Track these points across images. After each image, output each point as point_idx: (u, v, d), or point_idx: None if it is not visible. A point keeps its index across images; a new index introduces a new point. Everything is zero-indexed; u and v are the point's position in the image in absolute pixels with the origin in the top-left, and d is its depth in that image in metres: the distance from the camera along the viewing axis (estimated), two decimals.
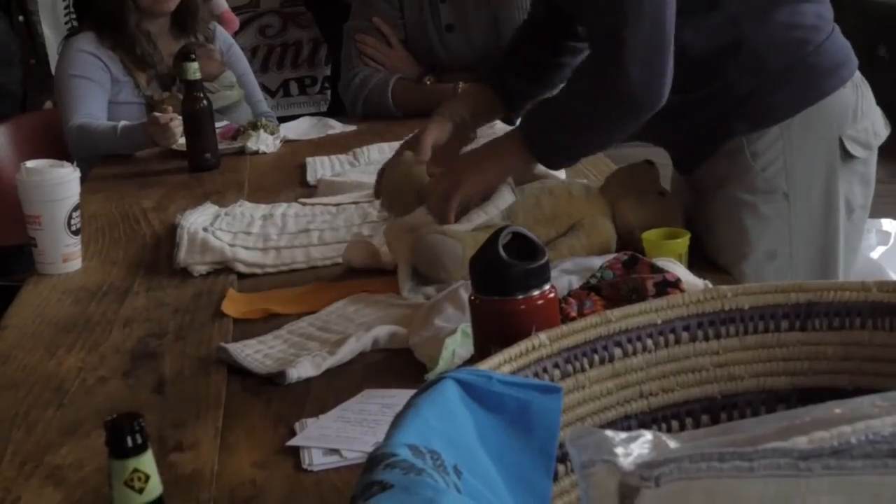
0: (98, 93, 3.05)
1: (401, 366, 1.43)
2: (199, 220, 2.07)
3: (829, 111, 1.73)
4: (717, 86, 1.71)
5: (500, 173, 1.72)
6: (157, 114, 2.73)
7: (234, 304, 1.69)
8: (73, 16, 4.30)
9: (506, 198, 1.71)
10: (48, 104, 3.97)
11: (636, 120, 1.63)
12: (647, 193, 1.75)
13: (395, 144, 2.61)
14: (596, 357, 0.95)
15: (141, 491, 0.96)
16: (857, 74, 1.78)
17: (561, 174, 2.18)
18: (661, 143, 1.89)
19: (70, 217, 1.90)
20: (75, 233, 1.93)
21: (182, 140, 2.68)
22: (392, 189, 1.83)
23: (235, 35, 3.80)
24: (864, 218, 1.84)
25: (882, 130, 1.82)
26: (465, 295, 1.49)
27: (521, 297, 1.12)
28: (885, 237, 3.31)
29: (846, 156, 1.74)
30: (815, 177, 1.73)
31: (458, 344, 1.36)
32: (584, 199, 1.74)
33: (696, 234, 1.68)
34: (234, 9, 4.28)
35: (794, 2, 1.72)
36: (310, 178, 2.43)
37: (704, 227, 1.76)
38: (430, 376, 1.30)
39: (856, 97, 1.76)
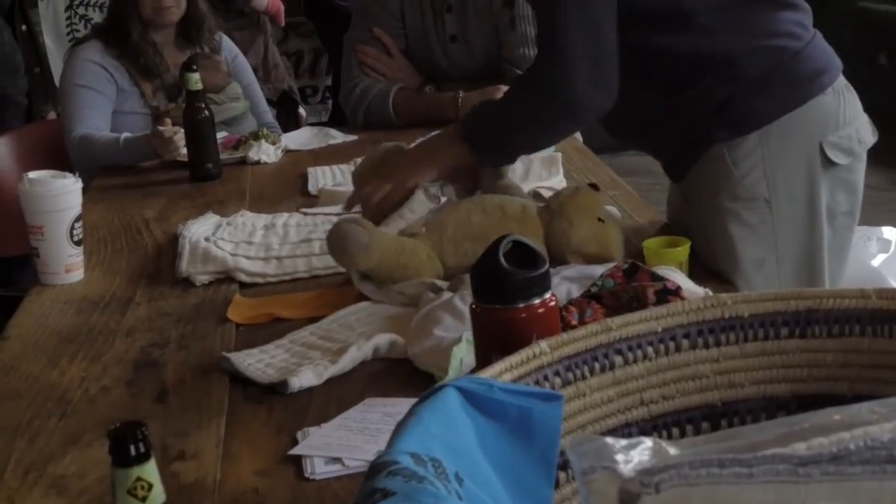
0: (102, 103, 3.04)
1: (402, 374, 1.43)
2: (200, 230, 2.07)
3: (808, 117, 1.71)
4: (697, 91, 1.71)
5: (433, 170, 1.77)
6: (161, 127, 2.73)
7: (240, 310, 1.70)
8: (76, 27, 4.31)
9: (421, 202, 1.74)
10: (52, 114, 3.97)
11: (577, 125, 1.72)
12: (585, 219, 1.69)
13: None
14: (597, 365, 0.95)
15: (144, 499, 0.96)
16: (841, 80, 1.76)
17: (561, 181, 2.19)
18: (648, 150, 1.89)
19: (72, 227, 1.91)
20: (77, 243, 1.93)
21: (184, 150, 2.68)
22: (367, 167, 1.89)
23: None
24: (851, 225, 1.81)
25: (868, 137, 1.79)
26: (460, 304, 1.49)
27: (521, 305, 1.13)
28: (885, 245, 3.30)
29: (827, 162, 1.73)
30: (795, 183, 1.72)
31: (465, 352, 1.36)
32: (517, 219, 1.70)
33: (692, 243, 1.68)
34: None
35: (770, 10, 1.72)
36: (311, 187, 2.44)
37: (697, 236, 1.76)
38: None
39: (838, 103, 1.74)
